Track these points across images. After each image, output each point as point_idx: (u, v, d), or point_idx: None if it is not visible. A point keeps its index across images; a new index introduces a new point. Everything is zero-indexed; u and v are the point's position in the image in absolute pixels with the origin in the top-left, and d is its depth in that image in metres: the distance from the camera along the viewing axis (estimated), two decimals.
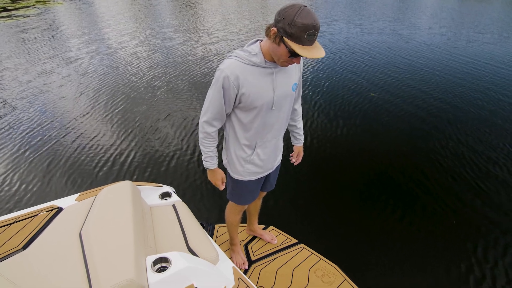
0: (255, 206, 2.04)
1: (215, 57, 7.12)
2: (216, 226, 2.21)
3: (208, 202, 2.87)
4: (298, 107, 1.69)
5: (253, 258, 1.99)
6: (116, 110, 4.68)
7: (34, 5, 13.79)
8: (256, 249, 2.05)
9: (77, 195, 1.60)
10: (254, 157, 1.50)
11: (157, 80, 5.84)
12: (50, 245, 1.30)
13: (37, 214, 1.43)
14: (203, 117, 1.40)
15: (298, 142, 1.79)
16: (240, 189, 1.64)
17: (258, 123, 1.39)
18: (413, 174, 3.26)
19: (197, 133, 4.34)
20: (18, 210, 1.48)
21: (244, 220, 2.29)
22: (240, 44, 8.18)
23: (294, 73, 1.42)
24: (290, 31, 1.11)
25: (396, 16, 13.75)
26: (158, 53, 7.49)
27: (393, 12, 15.04)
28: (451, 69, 6.47)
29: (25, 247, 1.29)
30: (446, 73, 6.22)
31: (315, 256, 2.01)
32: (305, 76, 5.95)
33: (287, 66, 1.29)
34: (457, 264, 2.29)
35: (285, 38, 1.15)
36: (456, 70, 6.41)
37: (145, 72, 6.26)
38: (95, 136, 3.99)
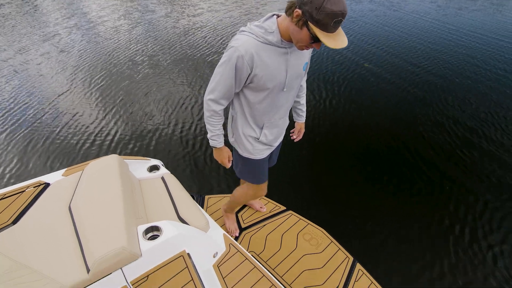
0: None
1: (200, 29, 6.88)
2: (206, 197, 2.25)
3: (196, 175, 2.91)
4: (303, 83, 1.62)
5: (243, 226, 2.06)
6: (98, 87, 4.55)
7: None
8: (246, 217, 2.12)
9: (63, 170, 1.59)
10: (262, 137, 1.46)
11: (139, 54, 5.65)
12: (40, 219, 1.32)
13: (24, 190, 1.43)
14: (209, 95, 1.31)
15: (300, 119, 1.74)
16: (251, 167, 1.59)
17: (267, 103, 1.34)
18: (397, 145, 3.31)
19: (182, 107, 4.28)
20: (2, 188, 1.47)
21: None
22: (226, 15, 7.89)
23: (307, 52, 1.35)
24: (317, 17, 1.02)
25: None
26: (140, 27, 7.19)
27: None
28: (438, 38, 6.43)
29: (14, 222, 1.30)
30: (434, 42, 6.18)
31: (303, 221, 2.09)
32: None
33: (304, 50, 1.20)
34: (438, 233, 2.39)
35: (309, 23, 1.05)
36: (443, 39, 6.38)
37: (127, 47, 6.03)
38: (76, 114, 3.90)
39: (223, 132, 1.44)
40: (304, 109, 1.72)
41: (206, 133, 3.59)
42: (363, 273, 1.82)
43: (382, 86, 4.49)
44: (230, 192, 2.42)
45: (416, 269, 2.12)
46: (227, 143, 1.55)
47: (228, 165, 1.55)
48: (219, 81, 1.26)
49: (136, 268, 1.18)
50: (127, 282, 1.16)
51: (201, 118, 3.73)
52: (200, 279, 1.27)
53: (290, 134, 1.79)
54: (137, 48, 5.94)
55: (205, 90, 1.34)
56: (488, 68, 5.04)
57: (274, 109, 1.39)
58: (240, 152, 1.53)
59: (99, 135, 3.51)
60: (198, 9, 8.54)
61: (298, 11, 1.06)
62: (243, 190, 1.82)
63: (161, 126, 3.62)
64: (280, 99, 1.36)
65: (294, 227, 2.06)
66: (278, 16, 1.21)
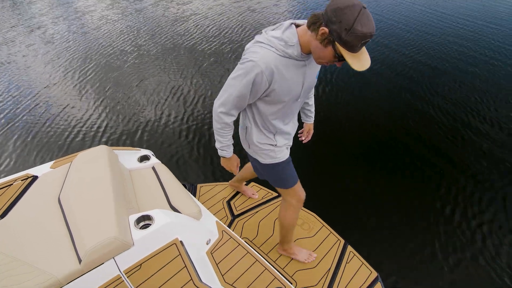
0: (252, 173, 2.00)
1: (189, 17, 6.75)
2: (198, 185, 2.25)
3: (186, 165, 2.91)
4: None
5: (236, 213, 2.07)
6: (86, 79, 4.47)
7: None
8: (239, 204, 2.13)
9: (51, 162, 1.58)
10: (277, 142, 1.43)
11: (128, 45, 5.54)
12: (29, 211, 1.31)
13: (12, 184, 1.42)
14: (221, 107, 1.23)
15: (309, 120, 1.70)
16: (279, 171, 1.52)
17: (280, 113, 1.33)
18: (387, 132, 3.31)
19: (172, 97, 4.21)
20: None
21: (229, 177, 2.34)
22: (216, 3, 7.72)
23: None
24: (346, 39, 0.96)
25: None
26: (129, 16, 7.02)
27: None
28: (426, 25, 6.31)
29: (3, 215, 1.29)
30: (421, 30, 6.05)
31: None
32: None
33: (323, 64, 1.15)
34: (428, 215, 2.42)
35: (336, 43, 1.00)
36: (432, 26, 6.27)
37: (115, 37, 5.91)
38: (63, 106, 3.85)
39: (232, 142, 1.39)
40: (313, 109, 1.67)
41: (195, 122, 3.56)
42: (354, 255, 1.85)
43: (372, 75, 4.46)
44: (220, 180, 2.42)
45: (407, 250, 2.17)
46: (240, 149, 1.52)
47: (236, 172, 1.52)
48: (232, 94, 1.19)
49: (128, 257, 1.18)
50: (120, 271, 1.17)
51: (190, 107, 3.70)
52: (194, 266, 1.29)
53: (299, 136, 1.75)
54: (125, 38, 5.81)
55: (215, 98, 1.26)
56: (476, 55, 5.01)
57: (286, 116, 1.37)
58: (262, 160, 1.46)
59: (88, 128, 3.47)
60: None
61: (324, 30, 1.00)
62: (284, 207, 1.65)
63: (150, 117, 3.59)
64: (293, 107, 1.35)
65: None
66: (296, 25, 1.14)
